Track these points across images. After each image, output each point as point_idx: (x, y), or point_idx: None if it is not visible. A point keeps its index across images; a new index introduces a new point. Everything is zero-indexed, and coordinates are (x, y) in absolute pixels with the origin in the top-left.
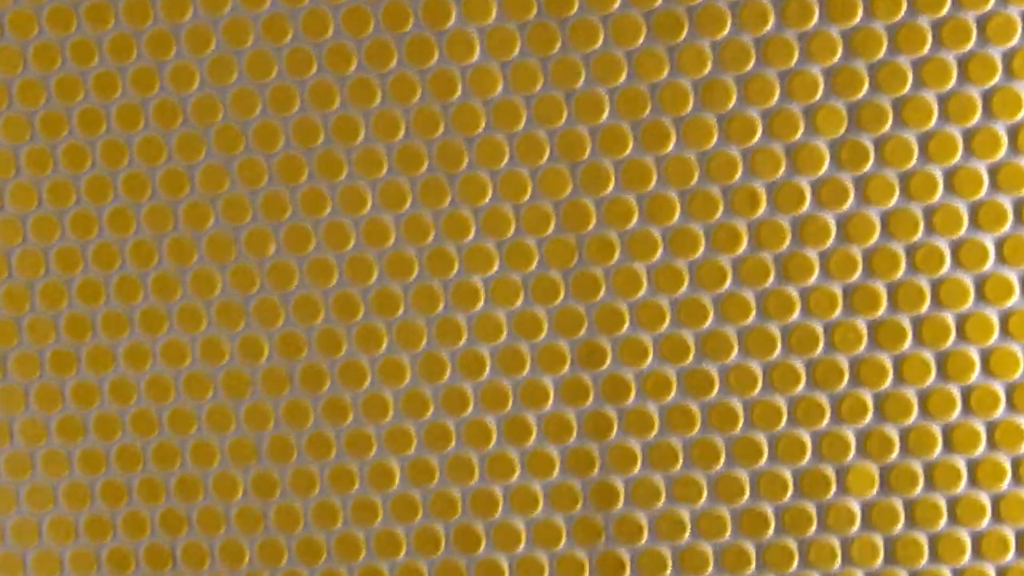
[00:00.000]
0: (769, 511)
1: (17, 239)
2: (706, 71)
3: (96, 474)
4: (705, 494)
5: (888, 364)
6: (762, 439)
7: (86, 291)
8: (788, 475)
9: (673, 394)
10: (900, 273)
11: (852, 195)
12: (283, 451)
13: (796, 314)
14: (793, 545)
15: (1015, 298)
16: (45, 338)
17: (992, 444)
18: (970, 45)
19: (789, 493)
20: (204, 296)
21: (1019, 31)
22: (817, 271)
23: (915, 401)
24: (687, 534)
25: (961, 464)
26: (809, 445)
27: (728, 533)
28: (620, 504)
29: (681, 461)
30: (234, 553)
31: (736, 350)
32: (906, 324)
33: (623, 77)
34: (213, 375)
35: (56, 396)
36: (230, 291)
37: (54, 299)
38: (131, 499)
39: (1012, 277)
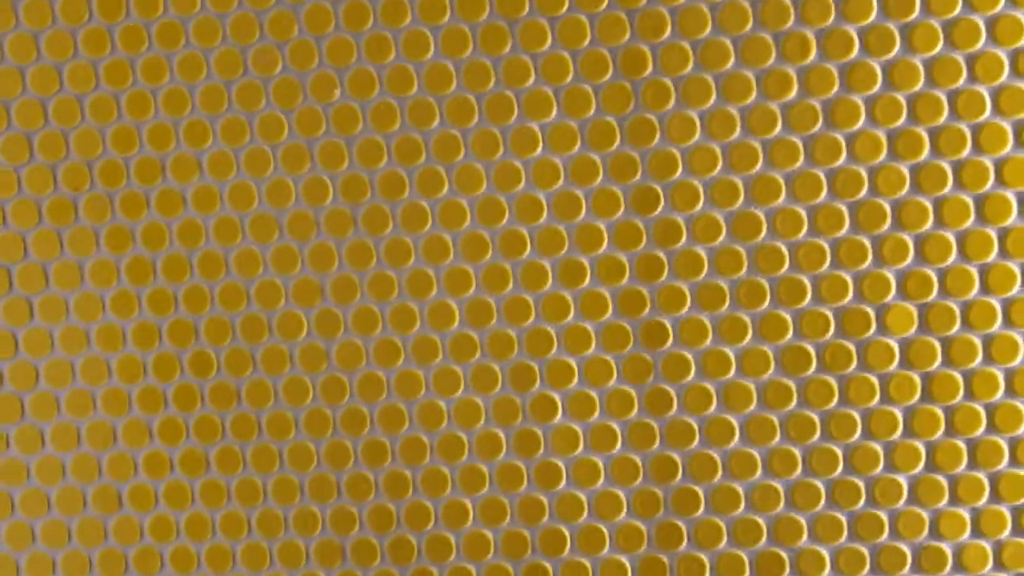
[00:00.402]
0: (811, 349)
1: (91, 85)
2: None
3: (164, 315)
4: (750, 333)
5: (929, 206)
6: (806, 280)
7: (156, 134)
8: (830, 314)
9: (722, 238)
10: (943, 119)
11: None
12: (347, 291)
13: (842, 159)
14: (833, 382)
15: None
16: (116, 182)
17: None
18: None
19: (831, 332)
20: (271, 140)
21: None
22: (880, 80)
23: (953, 243)
24: (732, 371)
25: (997, 305)
26: (851, 286)
27: (771, 370)
28: (669, 343)
29: (728, 302)
30: (298, 390)
31: (784, 194)
32: (947, 168)
33: None
34: (279, 217)
35: (127, 238)
36: (296, 135)
37: (127, 144)
38: (198, 339)
39: None
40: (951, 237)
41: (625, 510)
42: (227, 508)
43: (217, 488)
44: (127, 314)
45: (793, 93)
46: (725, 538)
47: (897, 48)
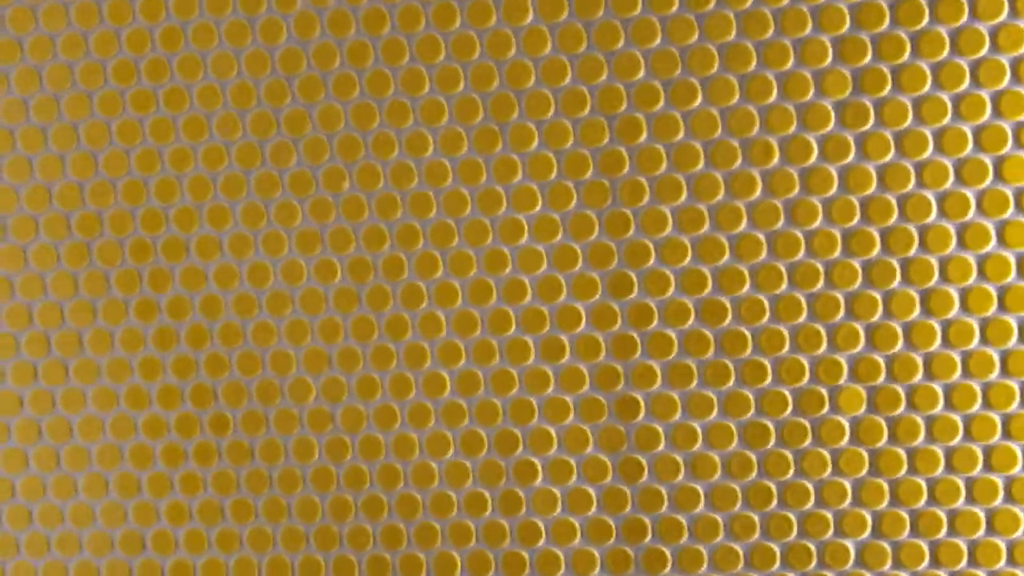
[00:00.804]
0: (771, 425)
1: (124, 171)
2: None
3: (186, 379)
4: (716, 410)
5: (879, 298)
6: (767, 363)
7: (182, 216)
8: (788, 395)
9: (691, 322)
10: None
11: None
12: (351, 361)
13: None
14: (790, 456)
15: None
16: (145, 258)
17: (950, 404)
18: None
19: (789, 410)
20: (286, 224)
21: None
22: (836, 183)
23: (900, 333)
24: (699, 443)
25: (939, 389)
26: (807, 369)
27: (735, 443)
28: (641, 416)
29: (696, 381)
30: (305, 449)
31: (748, 284)
32: (895, 264)
33: None
34: (292, 292)
35: (154, 309)
36: (308, 220)
37: (154, 224)
38: (217, 401)
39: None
40: (898, 328)
41: (598, 568)
42: (240, 553)
43: (231, 536)
44: (152, 377)
45: (757, 194)
46: None
47: (852, 155)
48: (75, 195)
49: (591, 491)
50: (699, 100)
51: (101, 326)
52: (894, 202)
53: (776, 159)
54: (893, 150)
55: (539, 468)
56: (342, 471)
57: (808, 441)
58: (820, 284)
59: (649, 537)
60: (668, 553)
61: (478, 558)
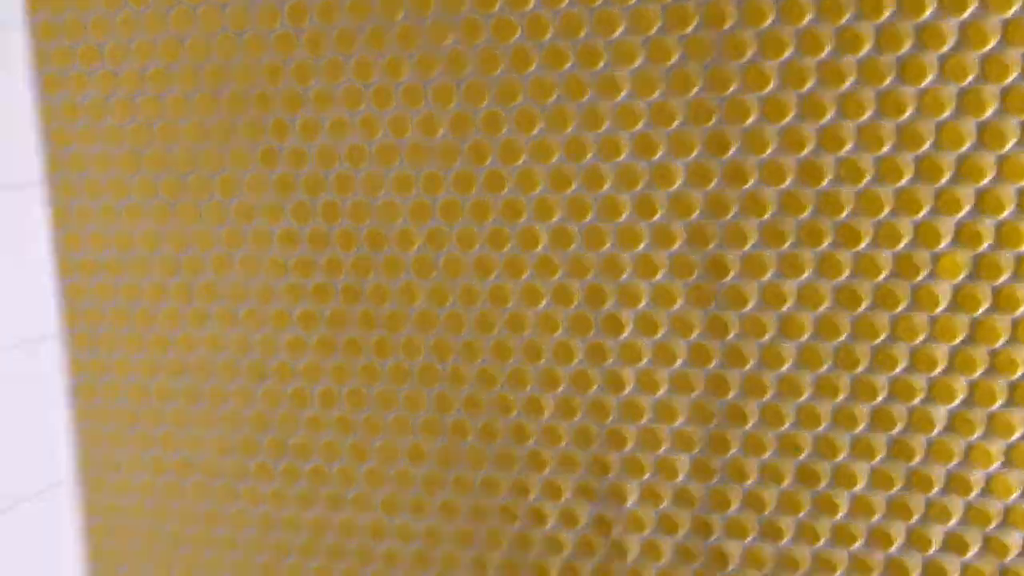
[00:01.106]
0: (866, 287)
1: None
2: None
3: (338, 278)
4: (809, 271)
5: (992, 162)
6: (867, 225)
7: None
8: (887, 258)
9: (810, 148)
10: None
11: None
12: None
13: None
14: (886, 319)
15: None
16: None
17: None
18: None
19: (885, 273)
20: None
21: None
22: (944, 78)
23: (1014, 197)
24: (790, 304)
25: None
26: (910, 232)
27: (827, 304)
28: (731, 276)
29: (791, 241)
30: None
31: (851, 143)
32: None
33: None
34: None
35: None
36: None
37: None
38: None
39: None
40: (1012, 192)
41: (682, 418)
42: (351, 385)
43: (343, 369)
44: (274, 221)
45: (866, 48)
46: (769, 451)
47: (972, 9)
48: (205, 47)
49: (680, 343)
50: None
51: (228, 173)
52: (1020, 58)
53: (888, 11)
54: (1021, 3)
55: (628, 321)
56: (443, 315)
57: (904, 305)
58: (927, 145)
59: (733, 393)
60: (754, 407)
61: (566, 402)
